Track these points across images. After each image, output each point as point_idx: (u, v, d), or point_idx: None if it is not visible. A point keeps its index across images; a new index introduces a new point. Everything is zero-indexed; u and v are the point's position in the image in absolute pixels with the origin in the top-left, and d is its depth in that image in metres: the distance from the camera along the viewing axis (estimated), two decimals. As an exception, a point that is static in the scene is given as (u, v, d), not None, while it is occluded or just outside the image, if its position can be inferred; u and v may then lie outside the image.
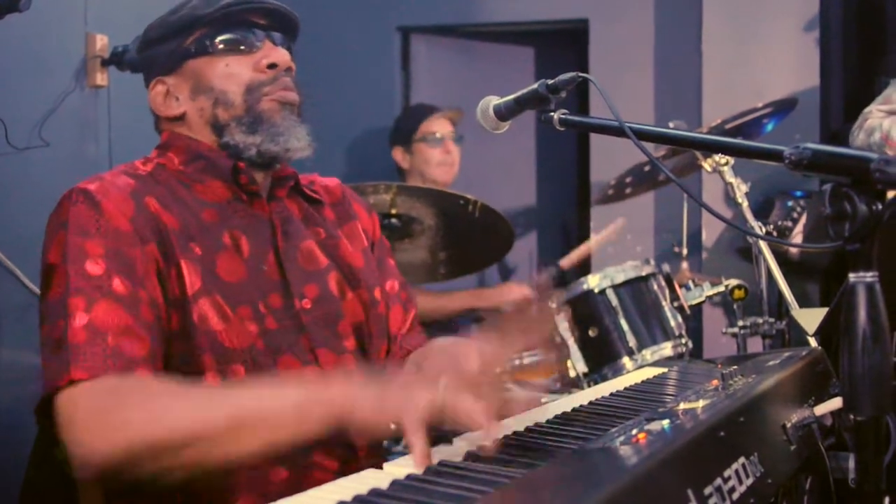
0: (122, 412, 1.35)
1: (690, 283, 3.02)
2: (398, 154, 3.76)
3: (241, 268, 1.60)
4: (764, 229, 3.06)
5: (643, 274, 2.90)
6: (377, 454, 1.67)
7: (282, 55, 1.67)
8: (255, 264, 1.61)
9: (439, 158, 3.67)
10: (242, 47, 1.66)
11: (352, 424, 1.28)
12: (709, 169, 2.90)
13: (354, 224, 1.82)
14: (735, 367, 1.64)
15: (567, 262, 3.79)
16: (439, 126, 3.70)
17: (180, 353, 1.52)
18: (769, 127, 3.34)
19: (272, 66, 1.66)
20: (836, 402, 1.55)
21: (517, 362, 3.27)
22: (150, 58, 1.72)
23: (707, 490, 1.05)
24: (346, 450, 1.60)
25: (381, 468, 1.20)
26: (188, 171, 1.65)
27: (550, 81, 1.51)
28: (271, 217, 1.67)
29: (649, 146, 1.42)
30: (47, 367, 1.42)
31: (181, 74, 1.68)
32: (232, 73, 1.65)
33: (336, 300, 1.69)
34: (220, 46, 1.66)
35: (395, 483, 1.07)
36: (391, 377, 1.34)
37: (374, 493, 1.03)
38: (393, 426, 1.24)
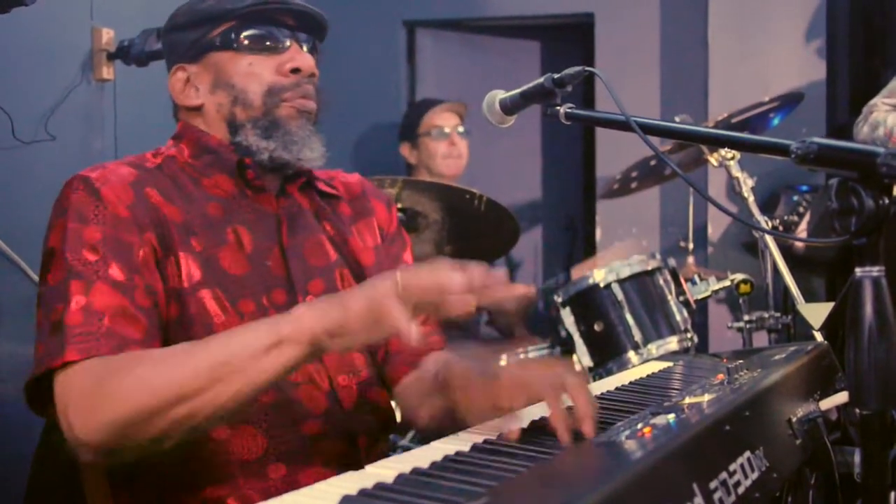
0: (106, 387, 1.36)
1: (696, 278, 3.01)
2: (405, 149, 3.76)
3: (244, 263, 1.60)
4: (770, 224, 3.06)
5: (649, 268, 2.89)
6: (379, 451, 1.67)
7: (306, 60, 1.66)
8: (259, 260, 1.61)
9: (444, 151, 3.67)
10: (268, 45, 1.65)
11: (328, 346, 1.32)
12: (715, 163, 2.90)
13: (370, 220, 1.81)
14: (740, 361, 1.64)
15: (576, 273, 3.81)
16: (443, 119, 3.70)
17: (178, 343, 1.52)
18: (775, 121, 3.34)
19: (295, 70, 1.65)
20: (841, 397, 1.55)
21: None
22: (173, 42, 1.71)
23: (713, 484, 1.05)
24: (346, 446, 1.61)
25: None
26: (196, 164, 1.65)
27: (556, 75, 1.51)
28: (278, 212, 1.67)
29: (655, 140, 1.42)
30: (41, 348, 1.44)
31: (203, 65, 1.67)
32: (254, 72, 1.64)
33: None
34: (246, 43, 1.64)
35: (400, 477, 1.07)
36: (346, 292, 1.37)
37: (379, 487, 1.03)
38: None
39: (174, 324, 1.53)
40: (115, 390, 1.35)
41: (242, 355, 1.33)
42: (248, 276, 1.59)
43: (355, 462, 1.27)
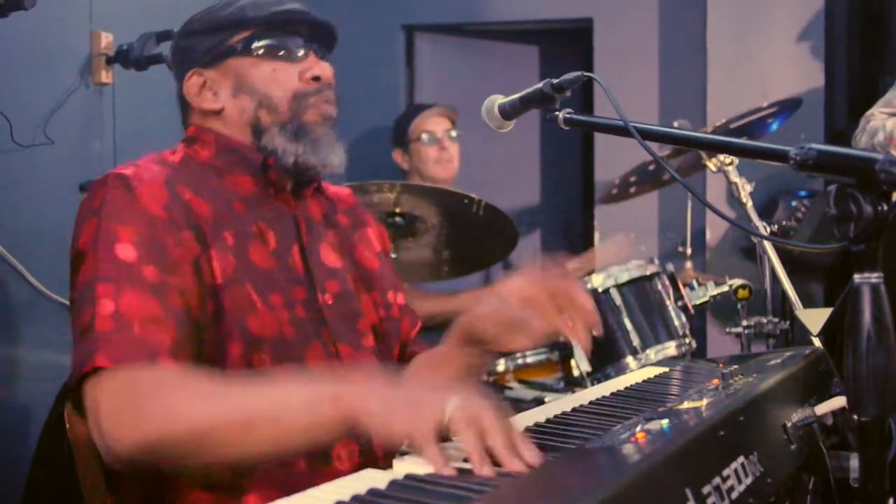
0: (138, 403, 1.35)
1: (694, 283, 3.01)
2: (398, 156, 3.76)
3: (269, 258, 1.61)
4: (768, 229, 3.06)
5: (647, 273, 2.89)
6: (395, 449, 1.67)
7: (326, 69, 1.70)
8: (282, 256, 1.63)
9: (435, 156, 3.66)
10: (285, 54, 1.68)
11: (363, 429, 1.25)
12: (713, 168, 2.90)
13: (365, 230, 1.85)
14: (736, 366, 1.64)
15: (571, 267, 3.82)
16: (434, 124, 3.69)
17: (210, 342, 1.52)
18: (774, 126, 3.33)
19: (316, 78, 1.68)
20: (837, 402, 1.54)
21: (520, 361, 3.27)
22: (188, 48, 1.72)
23: (706, 489, 1.05)
24: (364, 443, 1.60)
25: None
26: (218, 163, 1.66)
27: (555, 80, 1.51)
28: (296, 213, 1.69)
29: (654, 146, 1.42)
30: (74, 353, 1.43)
31: (221, 70, 1.68)
32: (278, 78, 1.67)
33: (355, 298, 1.71)
34: (262, 52, 1.67)
35: (393, 483, 1.06)
36: (400, 382, 1.31)
37: (373, 493, 1.03)
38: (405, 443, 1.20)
39: (209, 321, 1.52)
40: (146, 410, 1.35)
41: (278, 408, 1.30)
42: (275, 271, 1.60)
43: (372, 464, 1.25)
